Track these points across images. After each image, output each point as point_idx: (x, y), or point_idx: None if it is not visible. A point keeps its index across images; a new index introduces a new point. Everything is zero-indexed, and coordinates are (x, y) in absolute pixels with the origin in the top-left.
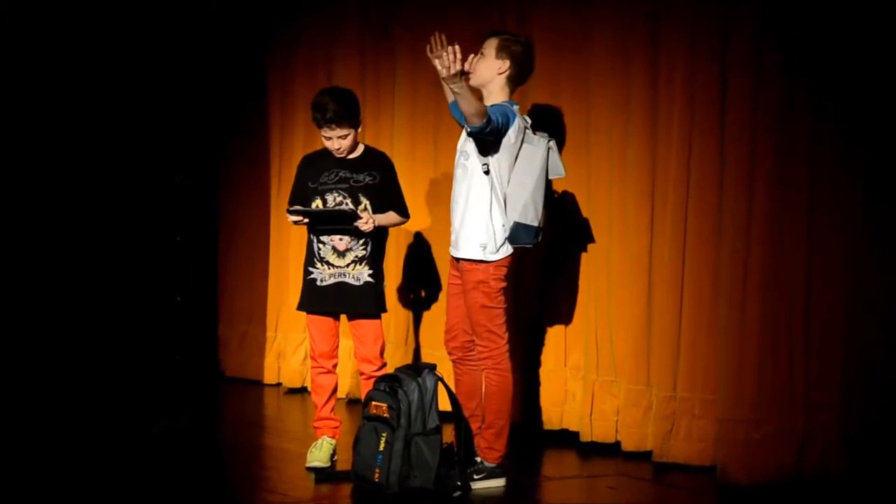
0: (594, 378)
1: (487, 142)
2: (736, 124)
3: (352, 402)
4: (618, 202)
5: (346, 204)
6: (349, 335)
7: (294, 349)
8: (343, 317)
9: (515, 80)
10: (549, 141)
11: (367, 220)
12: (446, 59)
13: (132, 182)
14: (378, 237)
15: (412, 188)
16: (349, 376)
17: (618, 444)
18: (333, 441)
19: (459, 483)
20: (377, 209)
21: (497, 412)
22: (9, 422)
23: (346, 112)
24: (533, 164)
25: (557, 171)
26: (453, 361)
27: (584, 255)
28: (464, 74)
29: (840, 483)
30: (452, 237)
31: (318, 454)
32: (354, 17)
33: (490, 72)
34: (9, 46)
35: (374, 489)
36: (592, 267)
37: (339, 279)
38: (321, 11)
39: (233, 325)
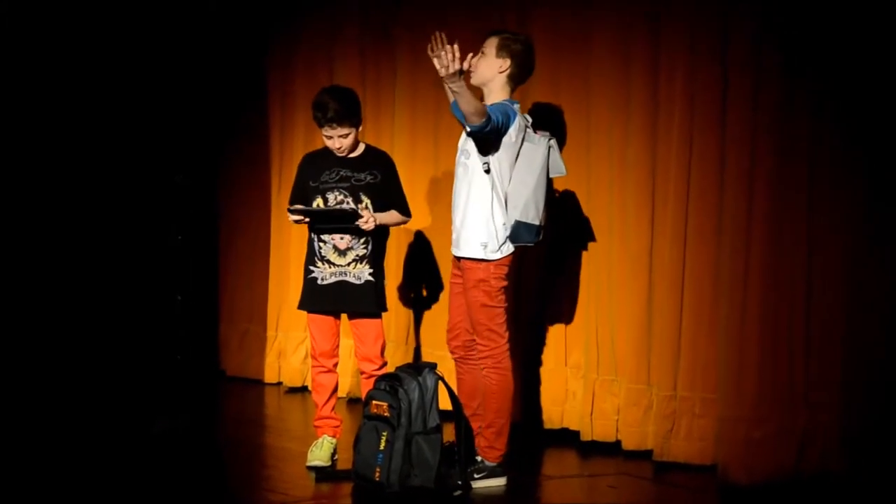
0: (595, 377)
1: (488, 141)
2: (736, 124)
3: (352, 401)
4: (618, 202)
5: (348, 203)
6: (350, 334)
7: (294, 348)
8: (343, 316)
9: (516, 79)
10: (549, 139)
11: (368, 219)
12: (445, 59)
13: (132, 182)
14: (379, 236)
15: (413, 187)
16: (350, 375)
17: (618, 443)
18: (334, 440)
19: (460, 482)
20: (378, 208)
21: (497, 411)
22: (9, 422)
23: (347, 111)
24: (534, 162)
25: (558, 169)
26: (455, 360)
27: (584, 255)
28: (462, 74)
29: (840, 483)
30: (454, 236)
31: (319, 453)
32: (354, 17)
33: (491, 71)
34: (9, 46)
35: (375, 488)
36: (593, 266)
37: (340, 278)
38: (321, 11)
39: (233, 324)
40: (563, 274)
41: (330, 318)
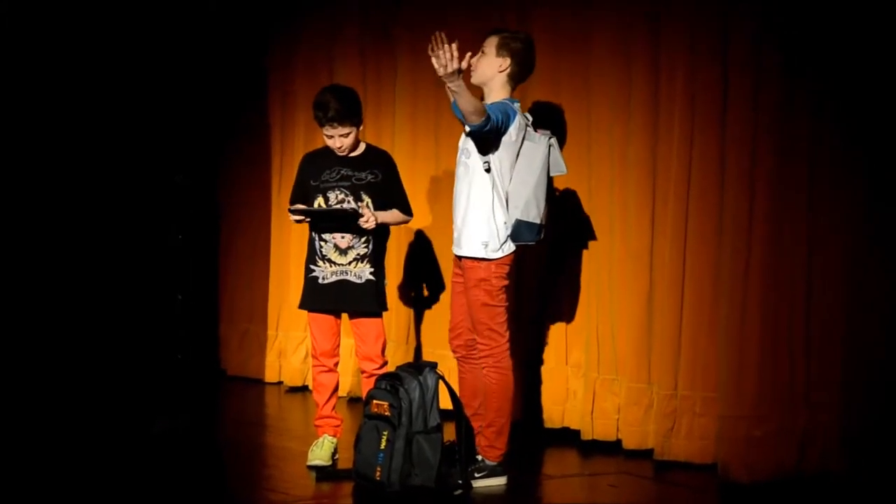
0: (595, 376)
1: (487, 140)
2: (737, 124)
3: (353, 401)
4: (619, 201)
5: (349, 202)
6: (350, 333)
7: (295, 348)
8: (344, 315)
9: (516, 78)
10: (549, 138)
11: (369, 218)
12: (443, 58)
13: (133, 182)
14: (380, 235)
15: (413, 186)
16: (350, 374)
17: (619, 442)
18: (334, 439)
19: (460, 481)
20: (379, 207)
21: (498, 410)
22: (9, 421)
23: (347, 110)
24: (534, 161)
25: (559, 167)
26: (457, 359)
27: (585, 254)
28: (461, 73)
29: (840, 483)
30: (455, 235)
31: (320, 452)
32: (354, 17)
33: (491, 70)
34: (9, 46)
35: (376, 487)
36: (594, 265)
37: (341, 277)
38: (321, 11)
39: (234, 323)
40: (563, 273)
41: (331, 318)
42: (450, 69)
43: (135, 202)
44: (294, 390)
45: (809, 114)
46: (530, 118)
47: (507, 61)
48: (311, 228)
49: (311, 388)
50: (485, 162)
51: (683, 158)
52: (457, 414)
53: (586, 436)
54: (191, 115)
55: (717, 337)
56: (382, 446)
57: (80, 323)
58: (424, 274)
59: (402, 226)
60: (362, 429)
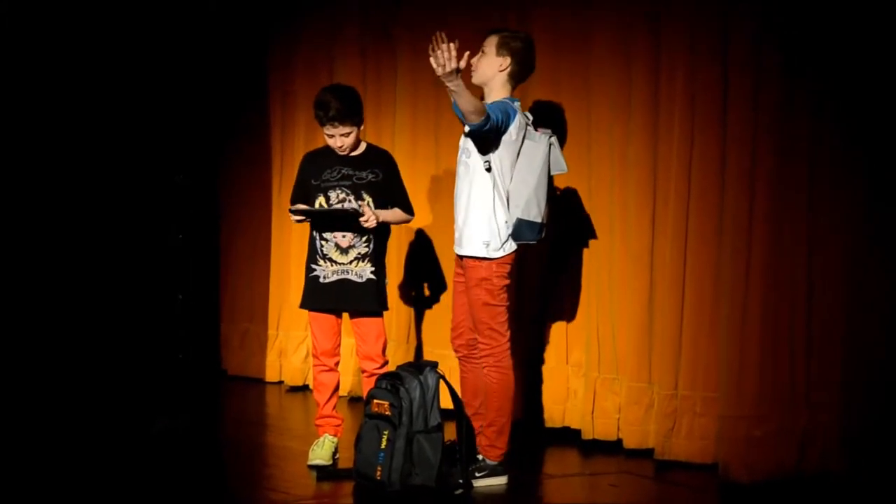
0: (596, 375)
1: (487, 140)
2: (737, 124)
3: (353, 400)
4: (619, 201)
5: (349, 201)
6: (351, 333)
7: (295, 347)
8: (345, 314)
9: (517, 77)
10: (550, 137)
11: (369, 217)
12: (441, 57)
13: (133, 182)
14: (380, 234)
15: (414, 185)
16: (351, 374)
17: (619, 441)
18: (335, 439)
19: (461, 481)
20: (380, 207)
21: (498, 410)
22: (9, 421)
23: (348, 110)
24: (535, 160)
25: (559, 166)
26: (459, 359)
27: (585, 253)
28: (459, 72)
29: (840, 483)
30: (456, 235)
31: (320, 452)
32: (354, 17)
33: (492, 69)
34: (9, 46)
35: (376, 487)
36: (594, 265)
37: (342, 276)
38: (321, 11)
39: (234, 323)
40: (564, 272)
41: (331, 317)
42: (448, 69)
43: (135, 202)
44: (295, 390)
45: (809, 114)
46: (530, 117)
47: (508, 60)
48: (313, 228)
49: (311, 387)
50: (485, 161)
51: (684, 158)
52: (457, 413)
53: (587, 435)
54: (191, 115)
55: (718, 337)
56: (383, 446)
57: (81, 323)
58: (425, 273)
59: (403, 225)
60: (363, 428)
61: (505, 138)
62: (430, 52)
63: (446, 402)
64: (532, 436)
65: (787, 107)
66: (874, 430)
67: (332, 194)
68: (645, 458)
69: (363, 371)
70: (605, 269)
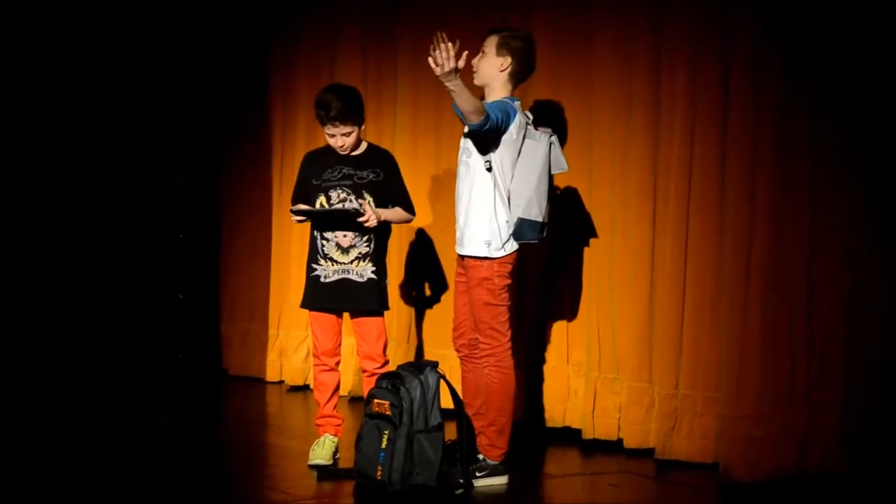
0: (596, 375)
1: (487, 139)
2: (738, 123)
3: (354, 400)
4: (620, 200)
5: (350, 201)
6: (352, 332)
7: (296, 347)
8: (346, 314)
9: (517, 76)
10: (550, 136)
11: (370, 216)
12: (439, 57)
13: (133, 182)
14: (381, 234)
15: (414, 185)
16: (351, 374)
17: (620, 441)
18: (336, 439)
19: (462, 480)
20: (381, 206)
21: (499, 409)
22: (9, 421)
23: (349, 109)
24: (535, 159)
25: (560, 165)
26: (460, 359)
27: (586, 253)
28: (458, 72)
29: (840, 482)
30: (457, 235)
31: (321, 452)
32: (355, 17)
33: (493, 69)
34: (9, 46)
35: (377, 487)
36: (595, 264)
37: (343, 276)
38: (321, 11)
39: (235, 323)
40: (564, 271)
41: (332, 317)
42: (446, 68)
43: (136, 202)
44: (295, 389)
45: (809, 114)
46: (531, 116)
47: (508, 60)
48: (314, 227)
49: (312, 387)
50: (486, 161)
51: (684, 157)
52: (458, 413)
53: (587, 435)
54: (191, 115)
55: (719, 336)
56: (384, 445)
57: (82, 323)
58: (425, 273)
59: (404, 225)
60: (363, 428)
61: (505, 138)
62: (431, 53)
63: (447, 401)
64: (533, 435)
65: (787, 107)
66: (874, 430)
67: (333, 194)
68: (645, 458)
69: (364, 371)
70: (605, 268)
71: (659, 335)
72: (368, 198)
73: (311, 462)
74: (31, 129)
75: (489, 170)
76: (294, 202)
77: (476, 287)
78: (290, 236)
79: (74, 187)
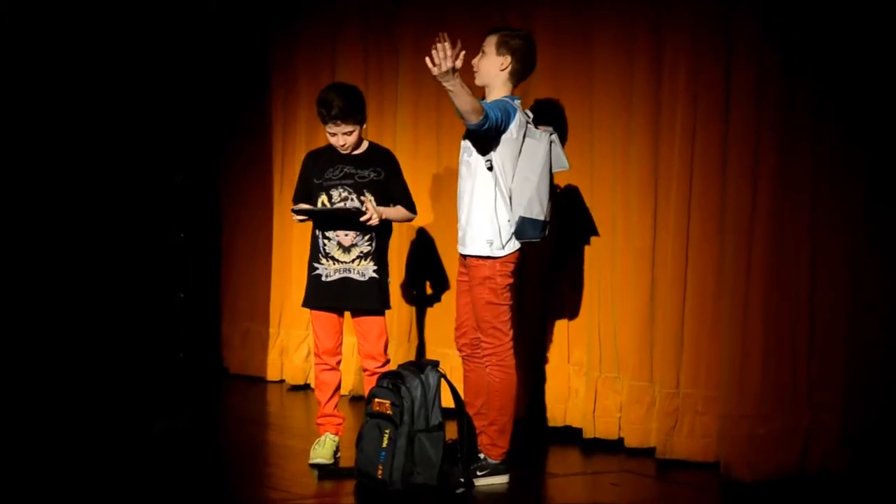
0: (597, 374)
1: (487, 139)
2: (739, 122)
3: (355, 399)
4: (621, 199)
5: (352, 200)
6: (353, 331)
7: (297, 346)
8: (347, 313)
9: (518, 75)
10: (550, 134)
11: (371, 215)
12: (436, 57)
13: (133, 182)
14: (383, 233)
15: (415, 184)
16: (352, 373)
17: (621, 440)
18: (336, 438)
19: (462, 479)
20: (382, 205)
21: (500, 409)
22: (9, 420)
23: (351, 108)
24: (536, 158)
25: (561, 163)
26: (462, 358)
27: (587, 252)
28: (456, 71)
29: (841, 482)
30: (459, 234)
31: (322, 451)
32: (355, 17)
33: (493, 69)
34: (9, 46)
35: (378, 486)
36: (596, 263)
37: (344, 274)
38: (321, 11)
39: (236, 322)
40: (565, 270)
41: (333, 316)
42: (444, 68)
43: (136, 202)
44: (296, 388)
45: (810, 113)
46: (531, 115)
47: (508, 59)
48: (315, 227)
49: (312, 386)
50: (487, 160)
51: (685, 156)
52: (459, 412)
53: (588, 434)
54: (191, 115)
55: (720, 335)
56: (384, 444)
57: (82, 322)
58: (427, 272)
59: (405, 224)
60: (364, 427)
61: (505, 137)
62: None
63: (447, 401)
64: (534, 434)
65: (787, 106)
66: (875, 430)
67: (335, 193)
68: (646, 457)
69: (365, 370)
70: (606, 266)
71: (660, 334)
72: (370, 196)
73: (311, 461)
74: (32, 129)
75: (490, 169)
76: (295, 201)
77: (478, 286)
78: (290, 235)
79: (75, 187)
